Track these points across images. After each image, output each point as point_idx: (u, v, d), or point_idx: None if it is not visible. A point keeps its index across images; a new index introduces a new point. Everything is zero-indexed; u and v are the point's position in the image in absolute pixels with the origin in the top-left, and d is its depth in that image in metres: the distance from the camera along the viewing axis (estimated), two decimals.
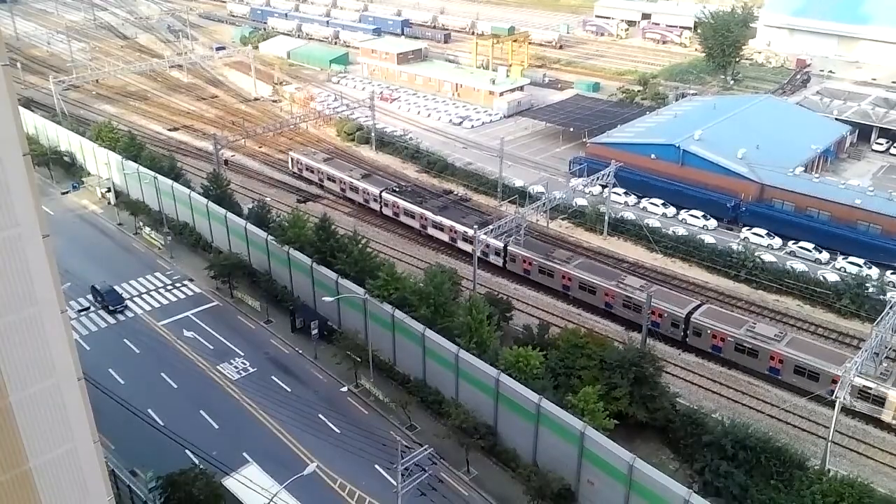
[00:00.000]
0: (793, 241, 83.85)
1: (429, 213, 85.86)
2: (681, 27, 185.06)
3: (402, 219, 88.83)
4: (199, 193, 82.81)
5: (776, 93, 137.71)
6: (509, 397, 51.26)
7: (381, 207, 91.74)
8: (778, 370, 61.41)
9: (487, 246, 77.77)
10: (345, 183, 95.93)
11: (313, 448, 52.52)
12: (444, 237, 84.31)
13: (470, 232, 77.56)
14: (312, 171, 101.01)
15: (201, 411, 57.21)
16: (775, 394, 61.55)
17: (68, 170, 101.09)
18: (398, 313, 59.01)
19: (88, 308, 71.06)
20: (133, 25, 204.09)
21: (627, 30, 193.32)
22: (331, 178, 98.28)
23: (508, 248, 78.27)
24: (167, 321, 69.26)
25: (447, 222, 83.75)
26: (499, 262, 79.68)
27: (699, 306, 67.54)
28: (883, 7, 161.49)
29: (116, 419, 50.61)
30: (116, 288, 73.36)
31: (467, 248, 79.84)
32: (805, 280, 76.10)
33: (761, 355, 61.81)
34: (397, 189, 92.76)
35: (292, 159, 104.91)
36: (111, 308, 70.69)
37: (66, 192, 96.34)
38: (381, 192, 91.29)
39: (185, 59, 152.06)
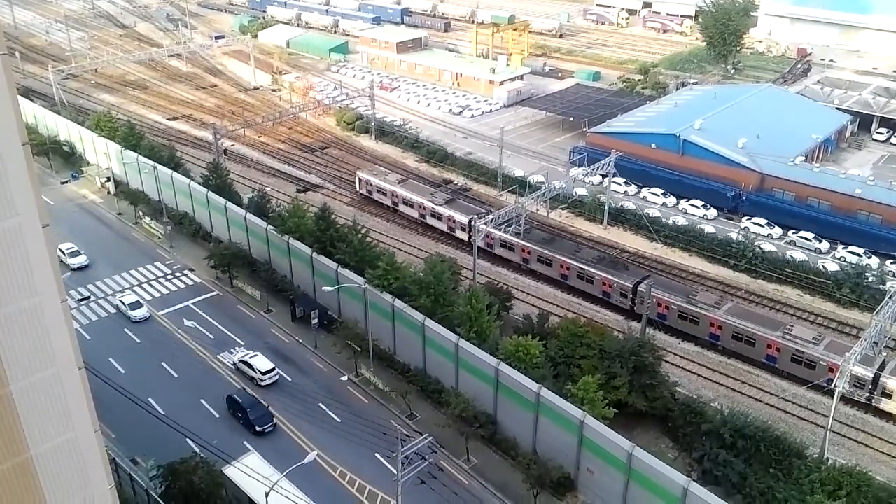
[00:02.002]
0: (793, 231, 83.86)
1: (532, 246, 76.95)
2: (682, 16, 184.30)
3: (498, 251, 79.98)
4: (199, 183, 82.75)
5: (777, 82, 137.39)
6: (509, 386, 51.38)
7: (470, 237, 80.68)
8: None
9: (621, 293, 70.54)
10: (425, 208, 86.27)
11: (314, 437, 52.68)
12: (554, 274, 75.53)
13: (592, 271, 71.53)
14: (385, 194, 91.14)
15: (202, 400, 57.34)
16: (774, 383, 61.72)
17: (68, 159, 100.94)
18: (398, 303, 59.07)
19: (88, 297, 71.08)
20: (132, 14, 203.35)
21: (628, 18, 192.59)
22: (408, 203, 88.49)
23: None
24: (167, 311, 69.32)
25: (557, 256, 74.65)
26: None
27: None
28: None
29: (117, 408, 50.75)
30: (256, 395, 56.36)
31: (585, 287, 72.73)
32: (805, 269, 76.17)
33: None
34: (447, 198, 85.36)
35: (360, 180, 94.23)
36: (258, 429, 53.43)
37: (66, 182, 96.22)
38: (470, 220, 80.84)
39: (184, 49, 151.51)
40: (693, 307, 65.53)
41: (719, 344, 64.72)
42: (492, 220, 74.83)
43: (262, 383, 58.65)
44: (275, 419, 54.48)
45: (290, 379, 60.05)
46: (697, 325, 65.45)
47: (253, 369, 59.23)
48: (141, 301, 68.84)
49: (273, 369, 59.45)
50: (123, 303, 68.46)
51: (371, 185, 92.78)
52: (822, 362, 58.43)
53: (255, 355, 60.50)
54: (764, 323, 63.44)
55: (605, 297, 70.64)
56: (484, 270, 76.58)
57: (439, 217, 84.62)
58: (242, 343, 64.41)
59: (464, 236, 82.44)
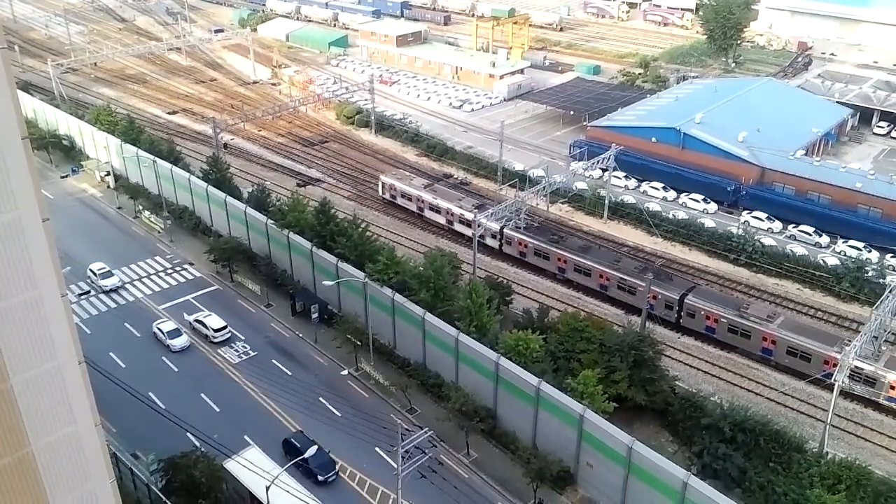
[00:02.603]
0: (793, 225, 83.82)
1: (569, 255, 74.01)
2: (682, 9, 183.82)
3: (531, 259, 77.10)
4: (199, 177, 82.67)
5: (777, 76, 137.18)
6: (509, 381, 51.43)
7: (501, 245, 79.79)
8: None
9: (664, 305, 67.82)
10: (453, 214, 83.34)
11: (314, 431, 52.69)
12: (593, 285, 72.92)
13: (635, 282, 68.50)
14: (410, 199, 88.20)
15: (202, 394, 57.42)
16: (774, 377, 61.79)
17: (67, 153, 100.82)
18: (398, 297, 59.08)
19: (88, 292, 71.06)
20: (131, 8, 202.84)
21: (628, 12, 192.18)
22: (435, 209, 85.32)
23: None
24: (167, 305, 69.31)
25: (597, 266, 72.00)
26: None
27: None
28: None
29: (118, 402, 50.79)
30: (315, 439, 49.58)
31: (626, 298, 69.79)
32: (805, 264, 76.15)
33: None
34: (520, 224, 79.37)
35: (384, 184, 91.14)
36: (320, 478, 48.69)
37: (66, 176, 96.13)
38: (501, 227, 78.40)
39: (183, 42, 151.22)
40: (745, 320, 63.00)
41: (772, 359, 62.41)
42: (512, 222, 76.04)
43: (215, 340, 63.76)
44: (337, 466, 49.88)
45: (290, 373, 60.05)
46: (749, 340, 63.11)
47: (206, 327, 64.19)
48: (180, 329, 64.37)
49: (225, 327, 64.45)
50: (161, 330, 63.80)
51: (395, 189, 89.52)
52: (882, 379, 57.11)
53: (209, 315, 65.87)
54: (819, 337, 60.94)
55: (650, 309, 65.54)
56: (484, 265, 76.56)
57: (468, 224, 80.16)
58: (242, 337, 64.47)
59: (494, 244, 79.99)
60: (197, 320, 65.45)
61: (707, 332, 65.31)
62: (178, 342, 62.82)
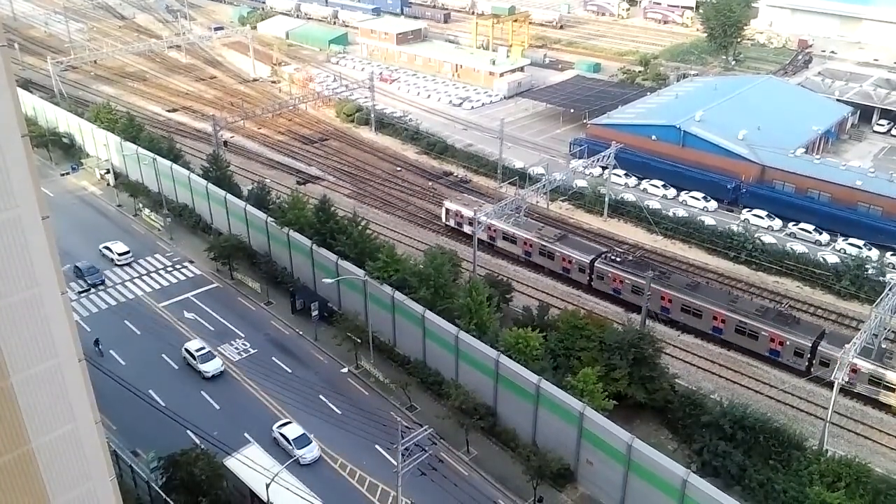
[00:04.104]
0: (793, 223, 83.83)
1: (675, 294, 66.63)
2: (682, 7, 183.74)
3: (627, 296, 69.75)
4: (199, 175, 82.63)
5: (777, 74, 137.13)
6: (509, 378, 51.45)
7: (590, 279, 72.66)
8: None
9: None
10: (531, 245, 76.55)
11: (314, 429, 52.74)
12: (704, 327, 65.59)
13: (757, 326, 61.79)
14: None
15: (202, 392, 57.45)
16: (774, 374, 61.80)
17: (67, 151, 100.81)
18: (398, 295, 59.09)
19: (88, 290, 71.09)
20: (131, 5, 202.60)
21: (629, 10, 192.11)
22: (510, 238, 78.37)
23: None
24: (168, 302, 69.33)
25: (710, 307, 64.76)
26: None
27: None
28: None
29: (118, 400, 50.82)
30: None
31: (746, 343, 63.22)
32: (805, 261, 76.16)
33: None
34: (616, 258, 72.34)
35: (448, 210, 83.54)
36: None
37: (66, 174, 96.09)
38: (592, 260, 71.62)
39: (183, 40, 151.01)
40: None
41: None
42: (558, 239, 74.66)
43: (119, 263, 74.10)
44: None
45: (290, 370, 60.11)
46: None
47: (112, 252, 75.05)
48: (213, 351, 60.25)
49: (128, 252, 75.39)
50: (190, 351, 59.56)
51: (461, 216, 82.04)
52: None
53: (116, 242, 76.43)
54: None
55: (773, 355, 61.38)
56: (483, 262, 76.54)
57: (550, 256, 74.85)
58: (242, 335, 64.50)
59: (582, 278, 72.81)
60: (105, 246, 75.92)
61: (849, 385, 57.00)
62: (211, 366, 58.44)
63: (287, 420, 53.36)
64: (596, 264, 71.34)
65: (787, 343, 60.74)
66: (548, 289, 73.92)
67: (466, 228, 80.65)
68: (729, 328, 63.73)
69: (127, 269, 74.76)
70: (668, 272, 71.17)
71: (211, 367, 58.68)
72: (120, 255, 75.31)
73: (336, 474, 49.68)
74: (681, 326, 66.52)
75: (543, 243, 75.47)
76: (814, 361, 59.44)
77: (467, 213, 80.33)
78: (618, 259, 71.58)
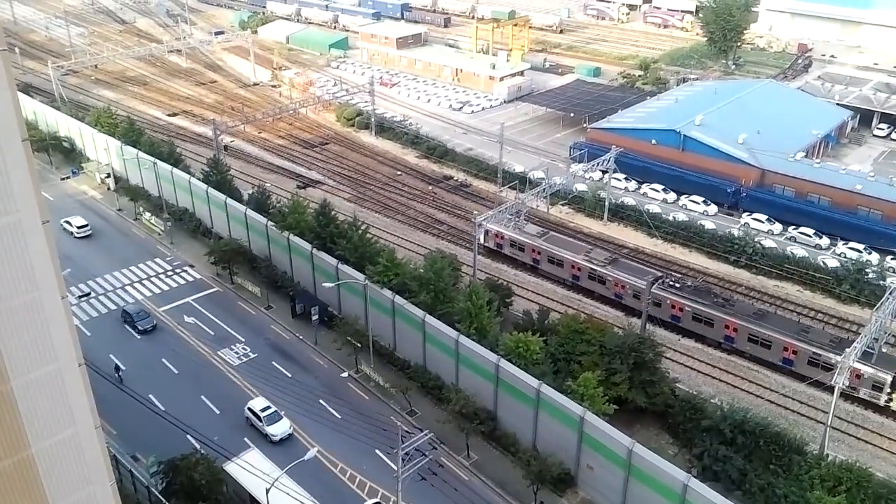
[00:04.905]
0: (793, 227, 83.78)
1: (741, 322, 62.71)
2: (682, 11, 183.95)
3: (687, 324, 65.80)
4: (199, 179, 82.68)
5: (777, 78, 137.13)
6: (509, 383, 51.40)
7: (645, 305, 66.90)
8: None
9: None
10: (580, 269, 72.58)
11: (314, 433, 52.71)
12: (773, 358, 61.71)
13: (832, 357, 56.76)
14: (522, 249, 77.40)
15: (202, 396, 57.37)
16: (774, 379, 61.73)
17: (68, 155, 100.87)
18: (398, 299, 59.06)
19: (89, 294, 71.05)
20: (131, 10, 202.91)
21: (629, 14, 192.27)
22: (555, 261, 74.56)
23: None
24: (168, 307, 69.30)
25: (780, 338, 60.75)
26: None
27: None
28: None
29: (118, 405, 50.80)
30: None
31: (819, 375, 58.28)
32: (805, 265, 76.11)
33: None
34: (675, 283, 67.99)
35: (487, 231, 79.11)
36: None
37: (66, 178, 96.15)
38: (649, 285, 66.37)
39: (183, 44, 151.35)
40: None
41: None
42: (609, 262, 70.76)
43: (78, 236, 78.71)
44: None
45: (290, 375, 60.06)
46: None
47: (71, 226, 79.46)
48: (279, 411, 53.77)
49: (86, 225, 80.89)
50: (254, 411, 53.33)
51: (502, 238, 78.72)
52: None
53: (75, 217, 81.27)
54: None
55: (852, 390, 57.95)
56: (484, 266, 76.51)
57: (601, 280, 71.07)
58: (242, 339, 64.45)
59: (637, 305, 67.85)
60: (66, 221, 79.95)
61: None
62: (279, 429, 52.44)
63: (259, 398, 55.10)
64: (653, 290, 66.21)
65: (865, 377, 57.86)
66: (548, 293, 73.86)
67: (508, 251, 78.49)
68: (801, 360, 60.13)
69: (120, 274, 74.77)
70: (731, 298, 66.97)
71: (279, 430, 52.24)
72: (79, 227, 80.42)
73: (336, 479, 49.59)
74: (748, 357, 63.12)
75: (594, 267, 71.60)
76: (894, 396, 57.48)
77: (510, 234, 77.96)
78: (676, 284, 67.63)
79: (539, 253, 75.91)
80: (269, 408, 53.68)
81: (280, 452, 50.30)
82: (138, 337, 64.52)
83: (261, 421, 52.89)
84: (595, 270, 71.43)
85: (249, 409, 53.96)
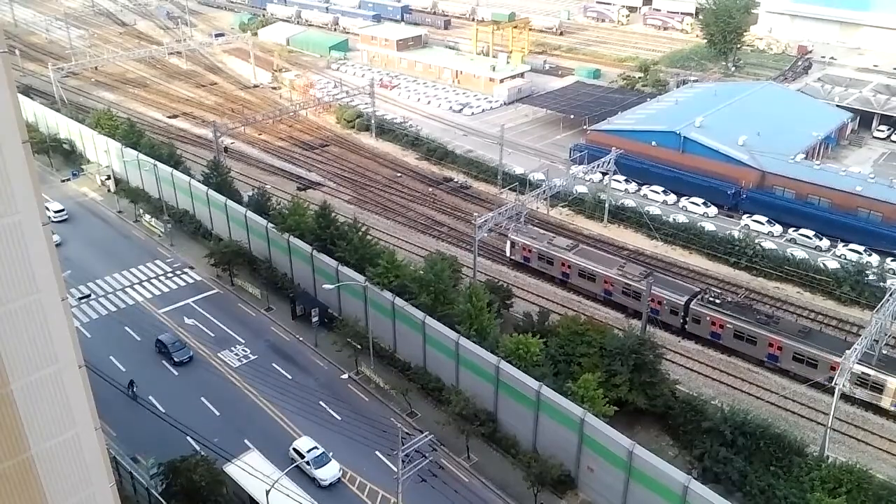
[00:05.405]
0: (793, 229, 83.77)
1: (787, 341, 60.42)
2: (682, 13, 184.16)
3: (728, 342, 63.73)
4: (199, 181, 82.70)
5: (777, 79, 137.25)
6: (509, 384, 51.38)
7: (684, 322, 66.21)
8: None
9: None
10: (613, 283, 70.20)
11: (314, 435, 52.63)
12: (819, 377, 58.72)
13: (883, 377, 55.86)
14: (550, 263, 75.01)
15: (202, 398, 57.35)
16: (775, 380, 61.69)
17: (68, 157, 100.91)
18: (398, 301, 59.06)
19: (89, 296, 71.04)
20: (132, 12, 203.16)
21: (628, 16, 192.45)
22: (587, 275, 72.24)
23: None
24: (168, 309, 69.30)
25: (831, 357, 57.66)
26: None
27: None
28: None
29: (118, 406, 50.76)
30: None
31: (869, 397, 57.69)
32: (805, 267, 76.09)
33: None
34: (715, 299, 65.68)
35: (514, 244, 77.67)
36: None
37: (66, 180, 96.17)
38: (687, 301, 65.47)
39: (183, 46, 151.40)
40: None
41: None
42: (644, 277, 67.85)
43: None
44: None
45: (290, 377, 60.04)
46: None
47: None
48: (327, 452, 50.02)
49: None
50: (300, 452, 49.77)
51: (530, 250, 76.49)
52: None
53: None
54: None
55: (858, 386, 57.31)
56: (483, 268, 76.52)
57: (636, 296, 68.34)
58: (242, 341, 64.46)
59: (674, 321, 66.47)
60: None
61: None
62: (327, 473, 48.76)
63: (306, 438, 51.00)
64: (691, 306, 64.86)
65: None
66: (548, 295, 73.86)
67: (536, 264, 76.31)
68: (855, 379, 57.79)
69: (120, 276, 74.83)
70: (775, 315, 64.43)
71: (327, 474, 48.53)
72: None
73: (336, 480, 49.51)
74: (791, 376, 61.09)
75: (628, 282, 69.16)
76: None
77: (538, 247, 75.92)
78: (717, 300, 65.16)
79: (569, 267, 73.65)
80: (315, 448, 49.69)
81: (280, 454, 50.26)
82: (175, 373, 60.16)
83: (308, 464, 48.77)
84: (630, 286, 68.94)
85: (294, 449, 50.00)
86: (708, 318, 64.33)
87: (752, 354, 62.88)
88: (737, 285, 75.60)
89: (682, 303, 65.53)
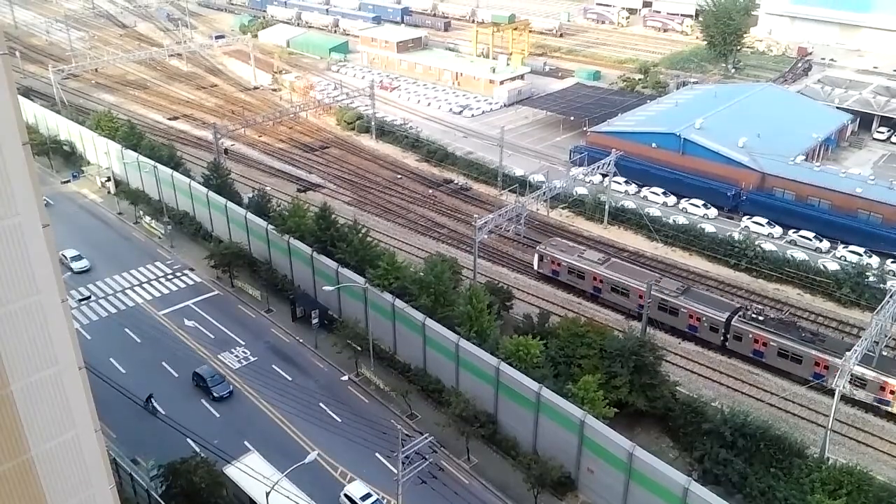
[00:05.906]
0: (793, 230, 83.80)
1: (834, 360, 57.33)
2: (682, 15, 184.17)
3: (771, 360, 61.62)
4: (199, 183, 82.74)
5: (777, 81, 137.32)
6: (509, 386, 51.37)
7: (725, 339, 64.04)
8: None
9: None
10: (649, 298, 65.48)
11: (314, 436, 52.68)
12: (866, 398, 57.78)
13: None
14: (581, 277, 72.69)
15: (202, 400, 57.34)
16: (775, 382, 61.66)
17: (68, 159, 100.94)
18: (398, 302, 59.07)
19: (89, 297, 71.06)
20: (132, 14, 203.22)
21: (628, 17, 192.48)
22: (620, 290, 70.33)
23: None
24: (168, 310, 69.31)
25: (885, 378, 56.66)
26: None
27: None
28: None
29: (118, 408, 50.75)
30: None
31: None
32: (805, 269, 76.09)
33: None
34: (758, 316, 63.33)
35: (543, 257, 75.51)
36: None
37: (66, 182, 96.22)
38: (728, 317, 63.63)
39: (184, 48, 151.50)
40: None
41: None
42: (682, 292, 65.98)
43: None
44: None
45: (290, 378, 60.04)
46: None
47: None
48: (381, 499, 47.29)
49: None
50: (352, 499, 47.02)
51: (559, 264, 74.20)
52: None
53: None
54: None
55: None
56: (484, 270, 76.52)
57: (674, 312, 66.28)
58: (243, 343, 64.45)
59: (714, 338, 64.51)
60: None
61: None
62: None
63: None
64: (733, 323, 62.85)
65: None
66: (548, 296, 73.85)
67: (566, 278, 74.04)
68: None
69: (120, 278, 74.82)
70: (820, 333, 62.35)
71: None
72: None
73: (336, 482, 49.46)
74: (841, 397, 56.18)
75: (665, 297, 66.61)
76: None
77: (568, 260, 73.52)
78: (760, 317, 62.94)
79: (601, 281, 71.31)
80: (369, 496, 47.17)
81: (282, 456, 50.25)
82: (217, 414, 56.22)
83: (347, 499, 47.37)
84: (667, 301, 66.40)
85: (346, 495, 47.66)
86: (751, 336, 62.16)
87: (797, 373, 60.52)
88: (737, 286, 75.57)
89: (724, 319, 63.37)
